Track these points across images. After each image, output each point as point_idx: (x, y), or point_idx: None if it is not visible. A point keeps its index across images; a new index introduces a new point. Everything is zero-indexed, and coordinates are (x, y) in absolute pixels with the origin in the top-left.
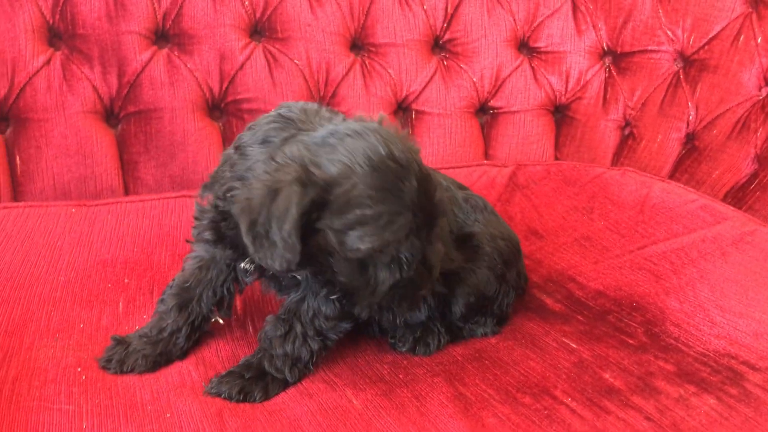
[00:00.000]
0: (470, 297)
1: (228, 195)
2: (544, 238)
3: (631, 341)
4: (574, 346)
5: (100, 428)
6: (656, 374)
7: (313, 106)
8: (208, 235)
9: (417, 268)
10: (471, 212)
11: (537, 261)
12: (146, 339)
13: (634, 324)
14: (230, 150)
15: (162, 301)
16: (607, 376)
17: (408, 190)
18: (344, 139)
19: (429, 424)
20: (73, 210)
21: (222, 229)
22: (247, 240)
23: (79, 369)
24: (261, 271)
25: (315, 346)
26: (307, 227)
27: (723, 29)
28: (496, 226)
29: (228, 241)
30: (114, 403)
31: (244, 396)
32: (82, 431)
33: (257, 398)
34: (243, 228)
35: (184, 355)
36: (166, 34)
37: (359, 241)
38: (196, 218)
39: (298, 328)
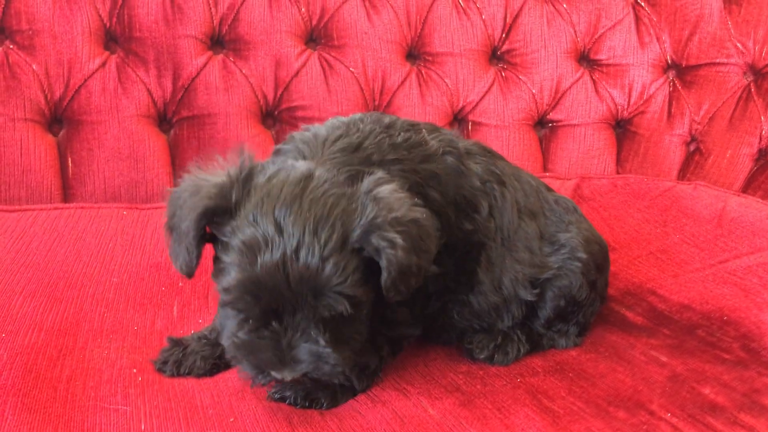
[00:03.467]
0: (560, 300)
1: None
2: (617, 250)
3: (727, 356)
4: (664, 359)
5: (160, 430)
6: (762, 391)
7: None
8: None
9: (268, 344)
10: (563, 214)
11: (612, 274)
12: (206, 341)
13: (727, 339)
14: None
15: None
16: (707, 391)
17: (266, 258)
18: (288, 179)
19: None
20: (125, 212)
21: None
22: (165, 233)
23: (135, 371)
24: None
25: (383, 352)
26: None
27: None
28: (588, 229)
29: None
30: (173, 405)
31: (311, 402)
32: None
33: (324, 405)
34: (166, 218)
35: None
36: (221, 40)
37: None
38: None
39: None
